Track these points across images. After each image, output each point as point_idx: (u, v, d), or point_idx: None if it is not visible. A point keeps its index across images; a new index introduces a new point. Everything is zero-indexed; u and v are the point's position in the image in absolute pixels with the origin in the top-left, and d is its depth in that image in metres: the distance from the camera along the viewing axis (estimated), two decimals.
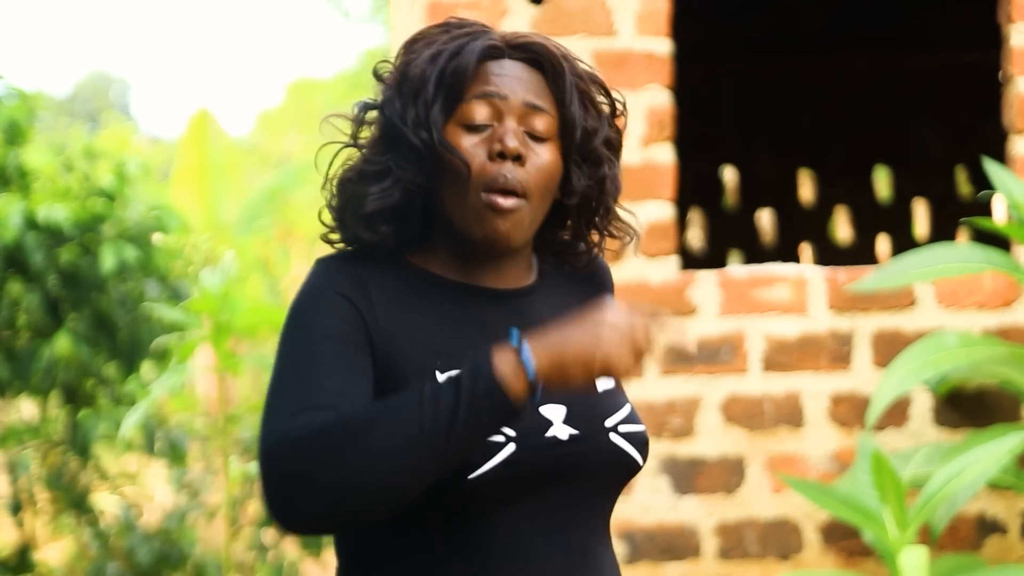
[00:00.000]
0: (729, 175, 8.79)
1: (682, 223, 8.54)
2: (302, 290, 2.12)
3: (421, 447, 1.92)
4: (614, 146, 2.20)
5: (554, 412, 2.10)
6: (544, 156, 2.12)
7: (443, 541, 2.06)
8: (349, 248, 2.16)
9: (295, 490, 1.91)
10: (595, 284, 2.29)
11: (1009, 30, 4.30)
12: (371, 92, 2.22)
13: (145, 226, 6.74)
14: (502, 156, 2.09)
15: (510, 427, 2.04)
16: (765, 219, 8.86)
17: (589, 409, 2.13)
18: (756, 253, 8.61)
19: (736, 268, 4.32)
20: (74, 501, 6.85)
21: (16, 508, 6.88)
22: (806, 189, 8.82)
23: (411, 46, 2.15)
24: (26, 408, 7.15)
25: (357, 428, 1.92)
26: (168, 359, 6.46)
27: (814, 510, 4.19)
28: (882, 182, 8.94)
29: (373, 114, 2.18)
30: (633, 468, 2.15)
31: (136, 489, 7.28)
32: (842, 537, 4.21)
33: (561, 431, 2.09)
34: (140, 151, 8.53)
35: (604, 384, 2.17)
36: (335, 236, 2.16)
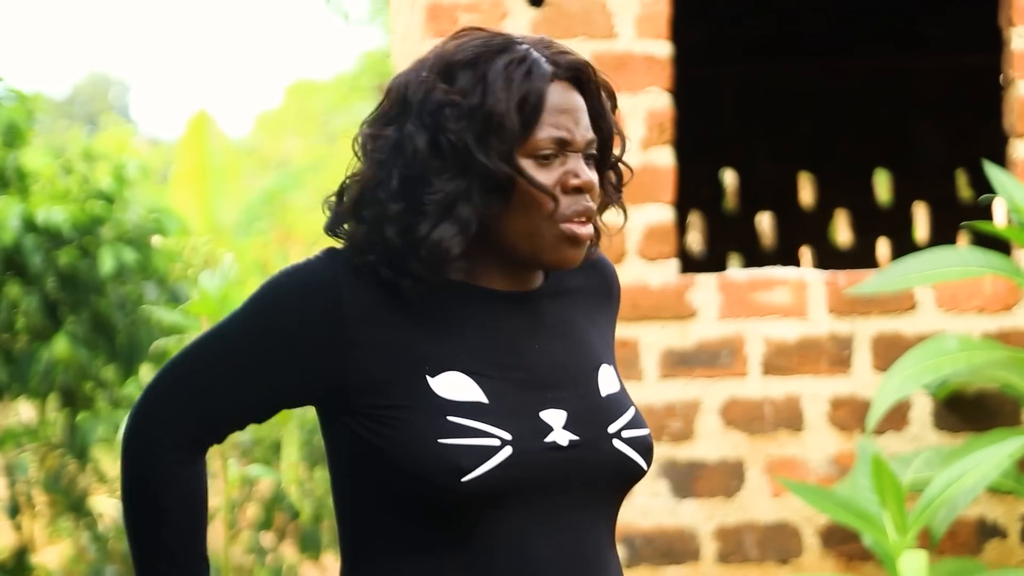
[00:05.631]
0: (729, 178, 8.79)
1: (682, 226, 8.53)
2: (297, 272, 2.10)
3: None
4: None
5: (554, 417, 2.09)
6: (596, 179, 2.15)
7: (446, 545, 2.05)
8: (349, 245, 2.12)
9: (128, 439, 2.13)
10: (605, 287, 2.28)
11: (1010, 33, 4.29)
12: (372, 95, 2.19)
13: (144, 228, 6.73)
14: (577, 190, 2.11)
15: (507, 430, 2.04)
16: (765, 222, 8.85)
17: (591, 414, 2.12)
18: (756, 256, 8.60)
19: (736, 271, 4.32)
20: (72, 504, 6.83)
21: (14, 511, 6.86)
22: (806, 192, 8.82)
23: (459, 65, 2.09)
24: (24, 411, 7.13)
25: (144, 517, 2.11)
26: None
27: (814, 514, 4.19)
28: (882, 185, 8.93)
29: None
30: (637, 474, 2.14)
31: None
32: (842, 541, 4.21)
33: (561, 437, 2.08)
34: (139, 153, 8.49)
35: (608, 387, 2.16)
36: (365, 258, 2.08)
